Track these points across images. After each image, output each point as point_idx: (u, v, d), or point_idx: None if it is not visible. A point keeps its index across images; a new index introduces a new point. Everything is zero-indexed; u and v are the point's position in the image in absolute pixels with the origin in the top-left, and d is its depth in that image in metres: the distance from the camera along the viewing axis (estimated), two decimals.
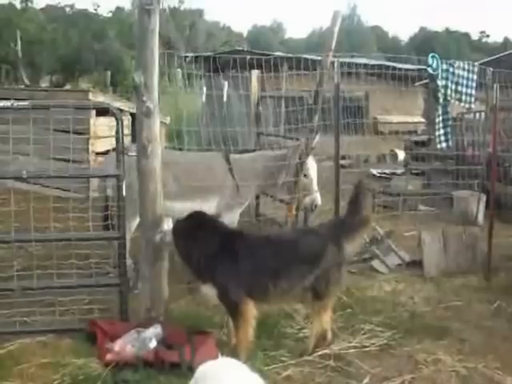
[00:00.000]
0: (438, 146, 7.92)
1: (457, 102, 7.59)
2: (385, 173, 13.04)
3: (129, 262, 5.38)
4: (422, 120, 18.09)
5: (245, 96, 9.56)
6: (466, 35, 72.24)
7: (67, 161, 6.61)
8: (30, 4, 31.27)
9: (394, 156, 15.37)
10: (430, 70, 7.25)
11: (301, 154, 6.31)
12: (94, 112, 9.69)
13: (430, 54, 7.29)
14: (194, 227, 4.56)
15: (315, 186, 6.44)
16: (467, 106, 7.66)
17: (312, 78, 6.90)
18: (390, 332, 5.00)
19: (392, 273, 6.71)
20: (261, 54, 12.87)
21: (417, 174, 11.63)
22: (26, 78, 21.76)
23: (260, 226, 7.36)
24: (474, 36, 74.75)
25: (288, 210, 6.70)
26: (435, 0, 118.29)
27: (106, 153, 9.43)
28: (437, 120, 7.61)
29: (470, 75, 7.41)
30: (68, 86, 28.54)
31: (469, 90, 7.44)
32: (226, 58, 6.97)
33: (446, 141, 7.71)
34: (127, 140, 6.60)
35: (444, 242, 6.78)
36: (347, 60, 8.00)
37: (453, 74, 7.32)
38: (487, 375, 4.38)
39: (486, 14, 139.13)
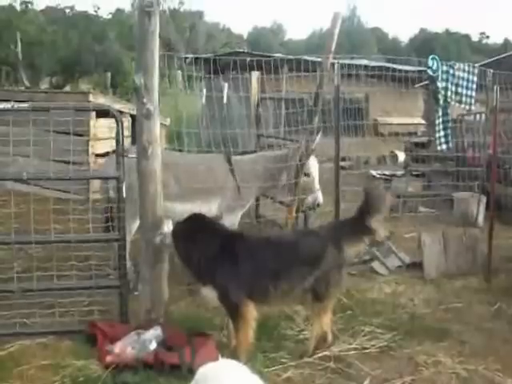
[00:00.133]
0: (438, 148, 7.92)
1: (457, 104, 7.59)
2: (385, 174, 13.03)
3: (128, 263, 5.37)
4: (422, 121, 18.08)
5: (245, 98, 9.57)
6: (466, 36, 72.22)
7: (67, 162, 6.61)
8: (30, 6, 31.32)
9: (394, 157, 15.37)
10: (430, 71, 7.26)
11: (301, 156, 6.31)
12: (93, 114, 9.69)
13: (430, 56, 7.30)
14: (194, 229, 4.56)
15: (317, 185, 6.45)
16: (467, 107, 7.66)
17: (312, 79, 6.90)
18: (391, 334, 5.00)
19: (392, 274, 6.71)
20: (261, 55, 12.87)
21: (417, 176, 11.62)
22: (26, 79, 21.77)
23: (260, 228, 7.36)
24: (474, 37, 74.80)
25: (288, 212, 6.70)
26: (435, 1, 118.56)
27: (105, 154, 9.44)
28: (437, 122, 7.61)
29: (471, 77, 7.42)
30: (68, 88, 28.58)
31: (469, 92, 7.44)
32: (226, 60, 6.97)
33: (446, 142, 7.71)
34: (127, 142, 6.62)
35: (444, 243, 6.78)
36: (347, 62, 8.00)
37: (453, 75, 7.32)
38: (488, 377, 4.38)
39: (486, 15, 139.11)
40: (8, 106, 4.89)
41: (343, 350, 4.71)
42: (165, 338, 4.51)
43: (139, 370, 4.19)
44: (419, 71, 11.82)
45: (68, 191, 9.08)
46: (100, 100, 10.20)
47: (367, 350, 4.74)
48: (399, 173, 12.63)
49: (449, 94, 7.36)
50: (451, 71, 7.31)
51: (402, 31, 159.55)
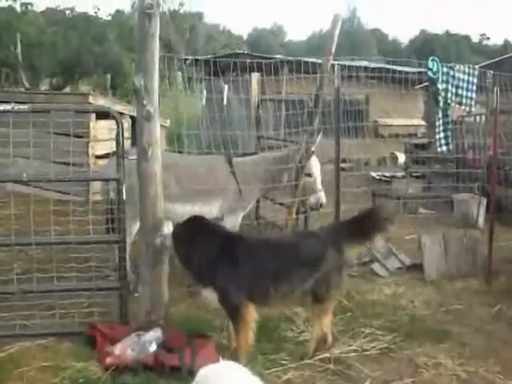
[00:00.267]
0: (439, 150, 7.92)
1: (457, 106, 7.59)
2: (385, 176, 13.05)
3: (128, 265, 5.37)
4: (423, 123, 18.09)
5: (245, 99, 9.57)
6: (467, 38, 72.16)
7: (67, 164, 6.63)
8: (29, 7, 31.25)
9: (395, 159, 15.38)
10: (430, 73, 7.26)
11: (301, 158, 6.31)
12: (93, 115, 9.69)
13: (430, 58, 7.30)
14: (194, 231, 4.55)
15: (319, 185, 6.44)
16: (467, 109, 7.67)
17: (312, 81, 6.91)
18: (391, 335, 4.99)
19: (392, 276, 6.70)
20: (261, 56, 12.88)
21: (417, 177, 11.63)
22: (26, 80, 21.76)
23: (260, 230, 7.35)
24: (475, 38, 74.68)
25: (288, 214, 6.69)
26: (435, 2, 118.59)
27: (105, 156, 9.45)
28: (437, 123, 7.60)
29: (471, 78, 7.42)
30: (68, 89, 28.54)
31: (469, 94, 7.44)
32: (226, 61, 6.96)
33: (447, 144, 7.70)
34: (127, 143, 6.62)
35: (444, 245, 6.78)
36: (347, 63, 8.01)
37: (453, 77, 7.32)
38: (488, 379, 4.38)
39: (486, 17, 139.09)
40: (8, 107, 4.89)
41: (343, 351, 4.70)
42: (165, 339, 4.51)
43: (139, 371, 4.19)
44: (419, 73, 11.83)
45: (68, 193, 9.09)
46: (100, 101, 10.20)
47: (367, 352, 4.73)
48: (399, 174, 12.65)
49: (449, 95, 7.36)
50: (451, 73, 7.32)
51: (402, 32, 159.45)
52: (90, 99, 9.91)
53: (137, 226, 5.43)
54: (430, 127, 14.48)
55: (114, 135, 4.91)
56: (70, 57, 29.22)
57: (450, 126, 7.76)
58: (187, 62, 10.89)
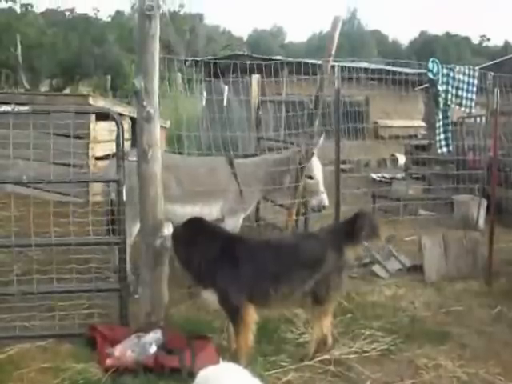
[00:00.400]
0: (439, 151, 7.92)
1: (457, 107, 7.60)
2: (385, 177, 13.05)
3: (128, 266, 5.37)
4: (423, 124, 18.09)
5: (245, 100, 9.58)
6: (467, 39, 72.26)
7: (67, 165, 6.62)
8: (30, 8, 31.24)
9: (395, 160, 15.39)
10: (430, 74, 7.26)
11: (301, 160, 6.31)
12: (93, 116, 9.69)
13: (430, 59, 7.30)
14: (194, 232, 4.55)
15: (321, 187, 6.43)
16: (468, 110, 7.68)
17: (312, 82, 6.91)
18: (391, 337, 4.99)
19: (392, 278, 6.70)
20: (261, 58, 12.89)
21: (417, 179, 11.63)
22: (26, 82, 21.77)
23: (260, 231, 7.35)
24: (475, 40, 74.82)
25: (288, 215, 6.69)
26: (435, 4, 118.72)
27: (105, 157, 9.45)
28: (437, 125, 7.60)
29: (471, 80, 7.42)
30: (68, 90, 28.53)
31: (469, 95, 7.45)
32: (226, 63, 6.97)
33: (447, 145, 7.70)
34: (127, 144, 6.61)
35: (445, 246, 6.78)
36: (348, 64, 8.01)
37: (453, 78, 7.32)
38: (488, 381, 4.37)
39: (486, 18, 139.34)
40: (8, 108, 4.90)
41: (343, 353, 4.70)
42: (165, 341, 4.50)
43: (139, 373, 4.19)
44: (419, 74, 11.79)
45: (68, 194, 9.09)
46: (100, 103, 10.20)
47: (367, 354, 4.73)
48: (399, 176, 12.65)
49: (449, 96, 7.37)
50: (451, 74, 7.32)
51: (402, 34, 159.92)
52: (90, 100, 9.91)
53: (137, 227, 5.43)
54: (430, 129, 14.47)
55: (114, 136, 4.91)
56: (70, 58, 29.22)
57: (450, 128, 7.76)
58: (187, 63, 10.91)
